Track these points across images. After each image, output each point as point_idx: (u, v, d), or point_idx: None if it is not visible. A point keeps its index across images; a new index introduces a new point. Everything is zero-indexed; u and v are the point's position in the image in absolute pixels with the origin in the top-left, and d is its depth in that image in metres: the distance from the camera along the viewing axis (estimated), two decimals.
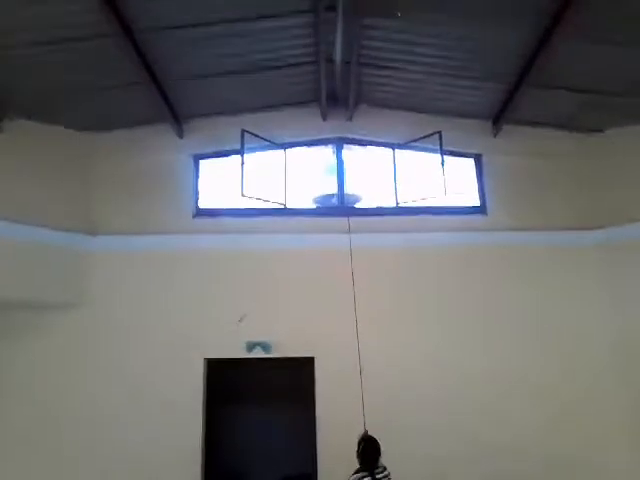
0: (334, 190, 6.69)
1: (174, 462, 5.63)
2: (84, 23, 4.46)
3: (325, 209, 6.59)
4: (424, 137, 6.38)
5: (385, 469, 4.23)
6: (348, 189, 6.74)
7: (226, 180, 6.54)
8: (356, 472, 4.10)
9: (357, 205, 6.73)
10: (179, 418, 5.75)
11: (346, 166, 6.79)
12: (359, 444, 4.27)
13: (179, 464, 5.65)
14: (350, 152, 6.86)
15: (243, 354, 5.92)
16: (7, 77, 5.15)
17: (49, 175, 5.93)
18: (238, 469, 7.00)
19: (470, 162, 6.78)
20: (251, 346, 5.91)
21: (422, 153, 6.66)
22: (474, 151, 6.71)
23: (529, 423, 5.80)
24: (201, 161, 6.64)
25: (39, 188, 5.81)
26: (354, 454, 5.07)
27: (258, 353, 5.91)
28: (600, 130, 6.47)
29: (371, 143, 6.79)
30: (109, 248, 6.09)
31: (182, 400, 5.80)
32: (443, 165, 6.21)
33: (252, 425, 6.78)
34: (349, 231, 6.16)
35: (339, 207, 6.54)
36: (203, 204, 6.52)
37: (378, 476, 4.11)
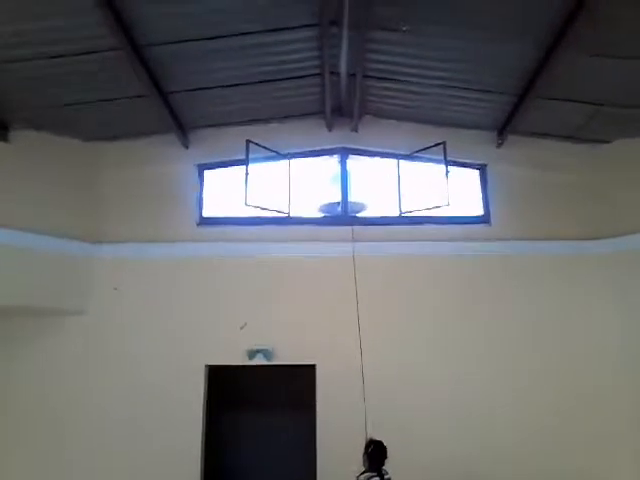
0: (339, 198, 6.72)
1: (175, 467, 5.69)
2: (88, 37, 4.55)
3: (328, 218, 6.63)
4: (428, 147, 6.40)
5: (387, 473, 4.34)
6: (353, 198, 6.76)
7: (231, 189, 6.60)
8: (364, 472, 4.26)
9: (362, 214, 6.75)
10: (180, 423, 5.81)
11: (351, 175, 6.81)
12: (367, 446, 4.43)
13: (179, 469, 5.70)
14: (355, 162, 6.89)
15: (245, 361, 5.97)
16: (13, 89, 5.28)
17: (55, 184, 6.04)
18: (238, 475, 7.08)
19: (475, 173, 6.79)
20: (253, 353, 5.97)
21: (427, 163, 6.69)
22: (478, 162, 6.71)
23: (531, 431, 5.79)
24: (206, 171, 6.72)
25: (45, 197, 5.92)
26: (353, 460, 5.16)
27: (260, 360, 5.96)
28: (607, 141, 6.43)
29: (376, 154, 6.82)
30: (114, 256, 6.18)
31: (183, 406, 5.87)
32: (447, 175, 6.23)
33: (253, 431, 6.85)
34: (352, 240, 6.21)
35: (342, 216, 6.58)
36: (207, 213, 6.59)
37: (386, 477, 4.27)
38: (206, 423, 5.99)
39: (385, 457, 4.33)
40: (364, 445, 4.47)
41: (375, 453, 4.35)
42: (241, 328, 6.05)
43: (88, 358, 5.97)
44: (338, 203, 6.70)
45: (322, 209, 6.77)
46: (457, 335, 6.10)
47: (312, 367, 6.01)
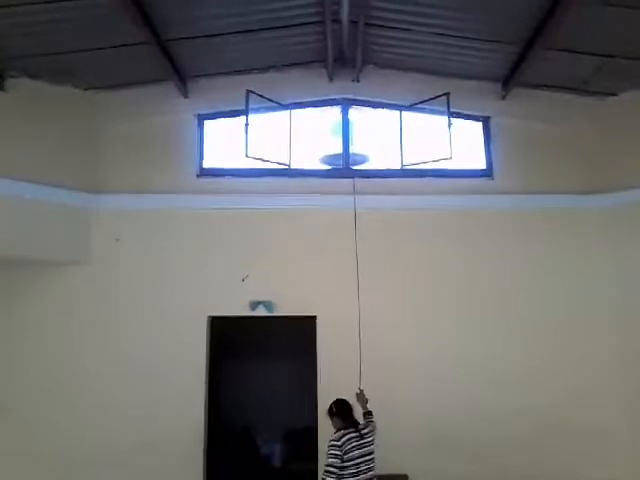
0: (341, 150, 6.65)
1: (178, 416, 5.83)
2: None
3: (329, 171, 6.59)
4: (432, 99, 6.29)
5: (365, 425, 4.43)
6: (355, 149, 6.70)
7: (231, 140, 6.52)
8: (340, 429, 4.24)
9: (364, 166, 6.70)
10: (183, 374, 5.92)
11: (353, 126, 6.73)
12: (331, 408, 4.40)
13: (183, 418, 5.84)
14: (357, 113, 6.80)
15: (247, 312, 6.05)
16: (8, 36, 5.13)
17: (53, 134, 5.95)
18: (243, 423, 7.32)
19: (478, 125, 6.70)
20: (254, 305, 6.05)
21: (430, 115, 6.59)
22: (482, 114, 6.62)
23: (526, 390, 5.91)
24: (206, 121, 6.63)
25: (43, 147, 5.85)
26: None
27: (261, 312, 6.05)
28: (613, 94, 6.33)
29: (378, 104, 6.71)
30: (113, 206, 6.16)
31: (186, 357, 5.97)
32: (450, 127, 6.16)
33: (256, 380, 7.03)
34: (353, 192, 6.20)
35: (343, 168, 6.54)
36: (207, 164, 6.55)
37: (364, 431, 4.29)
38: (209, 371, 6.10)
39: (351, 410, 4.38)
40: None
41: (345, 409, 4.36)
42: (243, 280, 6.11)
43: (89, 308, 6.03)
44: (340, 155, 6.63)
45: (324, 160, 6.72)
46: (456, 287, 6.17)
47: (313, 318, 6.10)
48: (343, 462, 4.06)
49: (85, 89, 6.25)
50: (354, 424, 4.30)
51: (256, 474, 7.18)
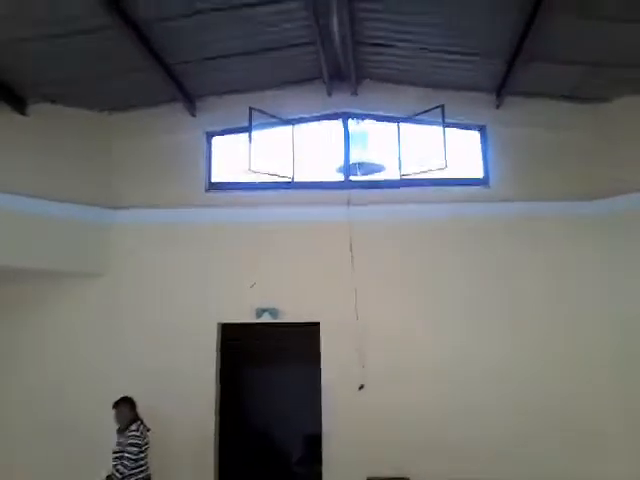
0: (358, 160, 6.93)
1: (190, 421, 6.12)
2: (90, 15, 4.76)
3: (328, 182, 6.88)
4: (427, 111, 6.52)
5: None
6: (370, 159, 6.99)
7: (237, 155, 6.87)
8: (135, 421, 5.19)
9: (375, 176, 6.98)
10: (195, 379, 6.22)
11: (368, 138, 7.03)
12: (120, 404, 5.27)
13: (195, 423, 6.13)
14: (363, 125, 7.08)
15: (253, 319, 6.33)
16: (29, 67, 5.61)
17: (72, 154, 6.42)
18: (255, 427, 7.56)
19: (475, 135, 6.89)
20: (260, 312, 6.34)
21: (427, 126, 6.80)
22: (478, 123, 6.79)
23: (532, 393, 6.02)
24: (213, 138, 6.99)
25: (62, 166, 6.32)
26: (355, 412, 5.89)
27: (266, 318, 6.33)
28: (606, 100, 6.44)
29: (375, 117, 6.97)
30: (128, 221, 6.54)
31: (198, 361, 6.27)
32: (445, 138, 6.38)
33: (264, 386, 7.27)
34: (351, 203, 6.47)
35: (344, 180, 6.81)
36: (215, 179, 6.90)
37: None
38: (220, 378, 6.39)
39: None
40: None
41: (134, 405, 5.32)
42: (251, 287, 6.39)
43: (104, 319, 6.39)
44: (357, 164, 6.89)
45: (339, 171, 6.97)
46: (453, 294, 6.31)
47: (316, 325, 6.34)
48: None
49: (100, 111, 6.70)
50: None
51: (268, 478, 7.44)
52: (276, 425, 7.59)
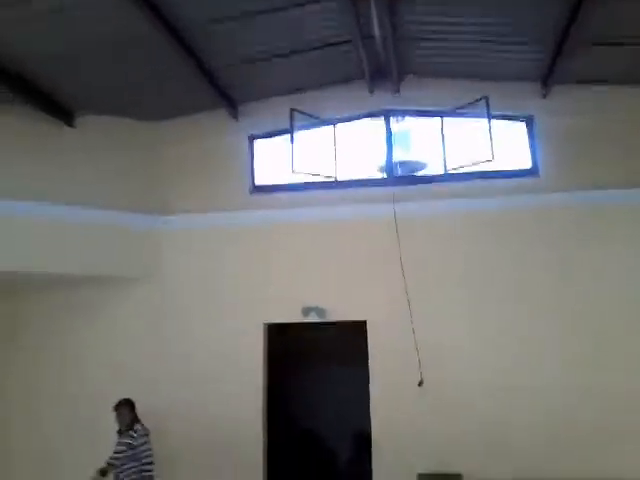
0: (402, 158, 6.90)
1: (238, 422, 6.18)
2: (132, 25, 4.91)
3: (373, 180, 6.84)
4: (471, 103, 6.39)
5: None
6: (413, 157, 6.93)
7: (280, 157, 6.94)
8: (135, 423, 5.39)
9: (422, 172, 6.90)
10: (242, 380, 6.29)
11: (410, 135, 6.99)
12: (120, 406, 5.47)
13: (243, 424, 6.20)
14: (406, 122, 7.02)
15: (300, 319, 6.34)
16: (76, 80, 5.83)
17: (120, 163, 6.63)
18: (303, 426, 7.58)
19: (522, 125, 6.71)
20: (307, 311, 6.34)
21: (472, 119, 6.67)
22: (525, 113, 6.60)
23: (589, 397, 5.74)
24: (256, 141, 7.08)
25: (112, 176, 6.53)
26: (404, 412, 5.83)
27: (313, 318, 6.33)
28: None
29: (419, 113, 6.89)
30: (176, 226, 6.71)
31: (244, 364, 6.34)
32: (490, 130, 6.23)
33: (311, 385, 7.27)
34: (398, 200, 6.37)
35: (388, 177, 6.75)
36: (259, 181, 6.98)
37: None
38: (268, 377, 6.44)
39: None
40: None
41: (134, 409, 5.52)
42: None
43: (153, 323, 6.54)
44: (400, 163, 6.85)
45: (382, 169, 6.92)
46: (505, 289, 6.11)
47: (363, 323, 6.29)
48: None
49: (145, 119, 6.89)
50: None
51: (318, 476, 7.44)
52: (324, 425, 7.58)
